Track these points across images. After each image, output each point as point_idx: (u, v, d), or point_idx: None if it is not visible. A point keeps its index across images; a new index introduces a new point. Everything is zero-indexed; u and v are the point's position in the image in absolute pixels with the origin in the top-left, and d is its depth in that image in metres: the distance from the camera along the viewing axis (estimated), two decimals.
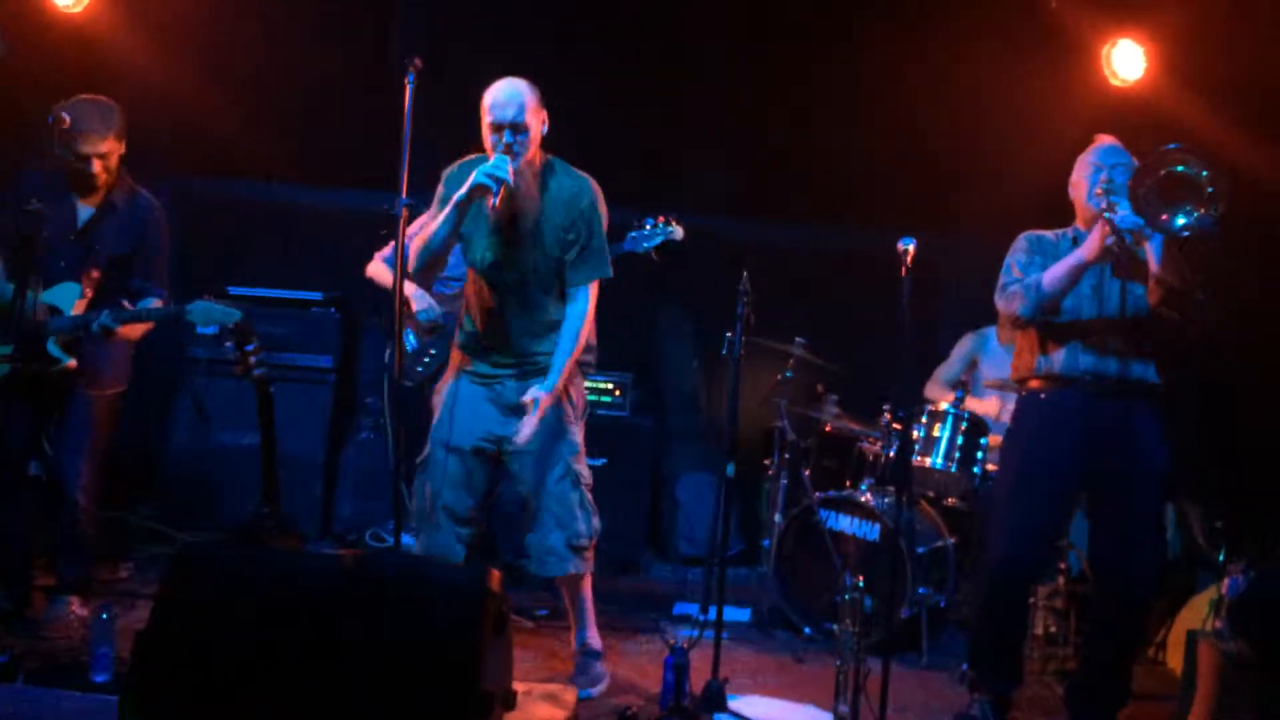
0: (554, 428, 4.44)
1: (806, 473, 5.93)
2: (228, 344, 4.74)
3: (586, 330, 4.47)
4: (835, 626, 4.59)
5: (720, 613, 4.63)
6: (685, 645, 4.42)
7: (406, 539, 4.47)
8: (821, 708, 4.55)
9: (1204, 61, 6.27)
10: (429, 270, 4.48)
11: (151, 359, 5.52)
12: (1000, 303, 4.49)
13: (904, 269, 4.26)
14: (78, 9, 6.45)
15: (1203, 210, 3.99)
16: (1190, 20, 6.24)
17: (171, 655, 3.05)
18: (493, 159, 4.22)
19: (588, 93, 7.04)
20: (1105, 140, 4.51)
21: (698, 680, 4.43)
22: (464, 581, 3.18)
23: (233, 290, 6.67)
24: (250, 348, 4.66)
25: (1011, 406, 4.79)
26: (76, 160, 4.80)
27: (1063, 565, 5.51)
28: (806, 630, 5.65)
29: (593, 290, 4.48)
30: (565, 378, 4.41)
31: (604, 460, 6.64)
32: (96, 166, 4.84)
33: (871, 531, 5.62)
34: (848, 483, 6.15)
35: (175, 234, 5.25)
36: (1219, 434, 6.27)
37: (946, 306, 7.47)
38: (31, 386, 4.75)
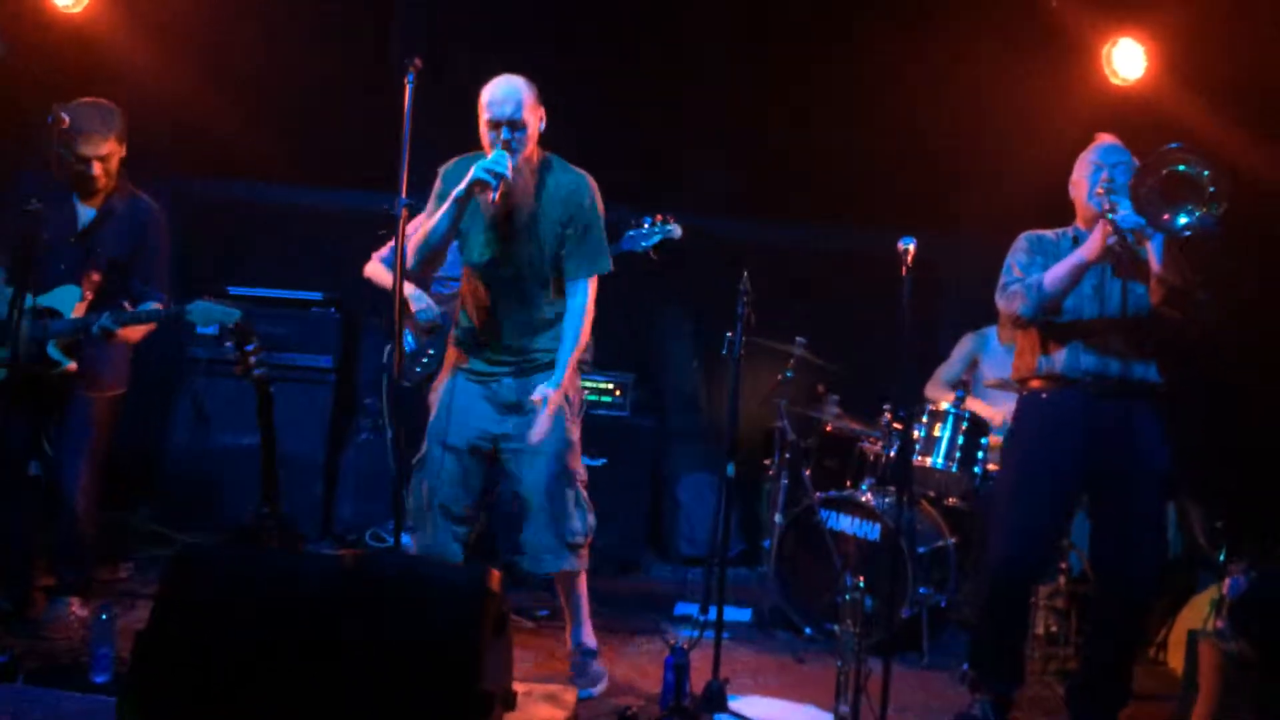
0: (552, 425, 4.45)
1: (807, 473, 5.92)
2: (227, 344, 4.74)
3: (588, 325, 4.47)
4: (836, 627, 4.59)
5: (721, 613, 4.63)
6: (686, 645, 4.41)
7: (406, 539, 4.46)
8: (822, 708, 4.55)
9: (1204, 61, 6.27)
10: (428, 266, 4.49)
11: (151, 359, 5.52)
12: (1001, 303, 4.48)
13: (904, 269, 4.26)
14: (77, 9, 6.45)
15: (1204, 210, 3.99)
16: (1190, 20, 6.24)
17: (170, 656, 3.05)
18: (491, 155, 4.24)
19: (588, 93, 7.04)
20: (1106, 139, 4.51)
21: (698, 680, 4.43)
22: (464, 582, 3.18)
23: (233, 290, 6.67)
24: (250, 348, 4.65)
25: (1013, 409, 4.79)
26: (77, 162, 4.80)
27: (1064, 565, 5.50)
28: (807, 630, 5.64)
29: (592, 285, 4.48)
30: (571, 373, 4.42)
31: (604, 460, 6.64)
32: (97, 169, 4.84)
33: (872, 531, 5.62)
34: (848, 483, 6.14)
35: (175, 234, 5.26)
36: (1220, 434, 6.27)
37: (946, 306, 7.47)
38: (31, 388, 4.75)
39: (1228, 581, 4.82)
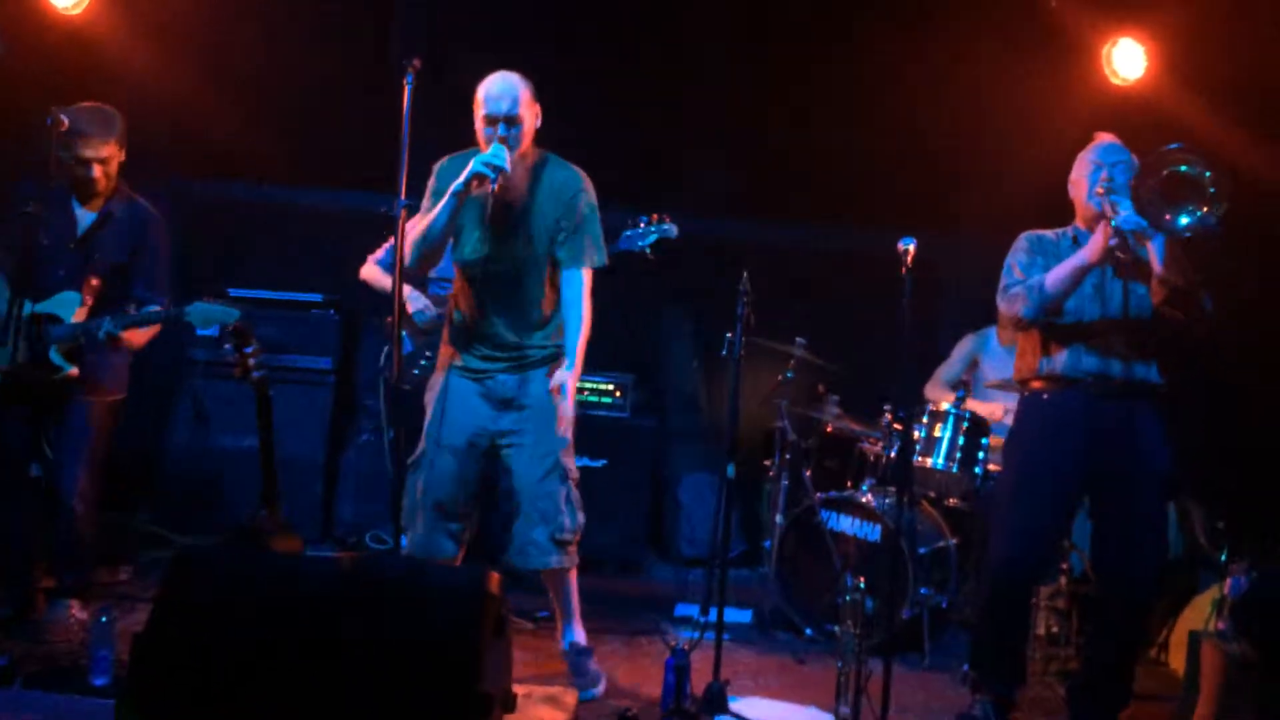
0: (547, 421, 4.46)
1: (807, 473, 5.92)
2: (227, 346, 4.73)
3: (589, 313, 4.47)
4: (837, 627, 4.58)
5: (721, 614, 4.63)
6: (686, 647, 4.41)
7: (406, 541, 4.47)
8: (823, 709, 4.54)
9: (1204, 61, 6.26)
10: (426, 263, 4.50)
11: (151, 362, 5.51)
12: (1002, 304, 4.48)
13: (904, 269, 4.26)
14: (77, 11, 6.44)
15: (1205, 210, 3.98)
16: (1190, 20, 6.23)
17: (169, 658, 3.04)
18: (488, 151, 4.24)
19: (588, 93, 7.04)
20: (1105, 138, 4.50)
21: (699, 682, 4.42)
22: (463, 583, 3.17)
23: (233, 292, 6.65)
24: (249, 350, 4.66)
25: (1013, 408, 4.78)
26: (77, 164, 4.80)
27: (1065, 566, 5.49)
28: (808, 631, 5.64)
29: (587, 276, 4.49)
30: (582, 359, 4.42)
31: (605, 461, 6.64)
32: (97, 171, 4.84)
33: (873, 532, 5.61)
34: (849, 483, 6.14)
35: (175, 236, 5.26)
36: (1220, 434, 6.26)
37: (946, 306, 7.46)
38: (31, 393, 4.75)
39: (1229, 582, 4.81)
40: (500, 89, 4.33)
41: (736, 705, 4.45)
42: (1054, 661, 5.37)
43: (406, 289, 5.39)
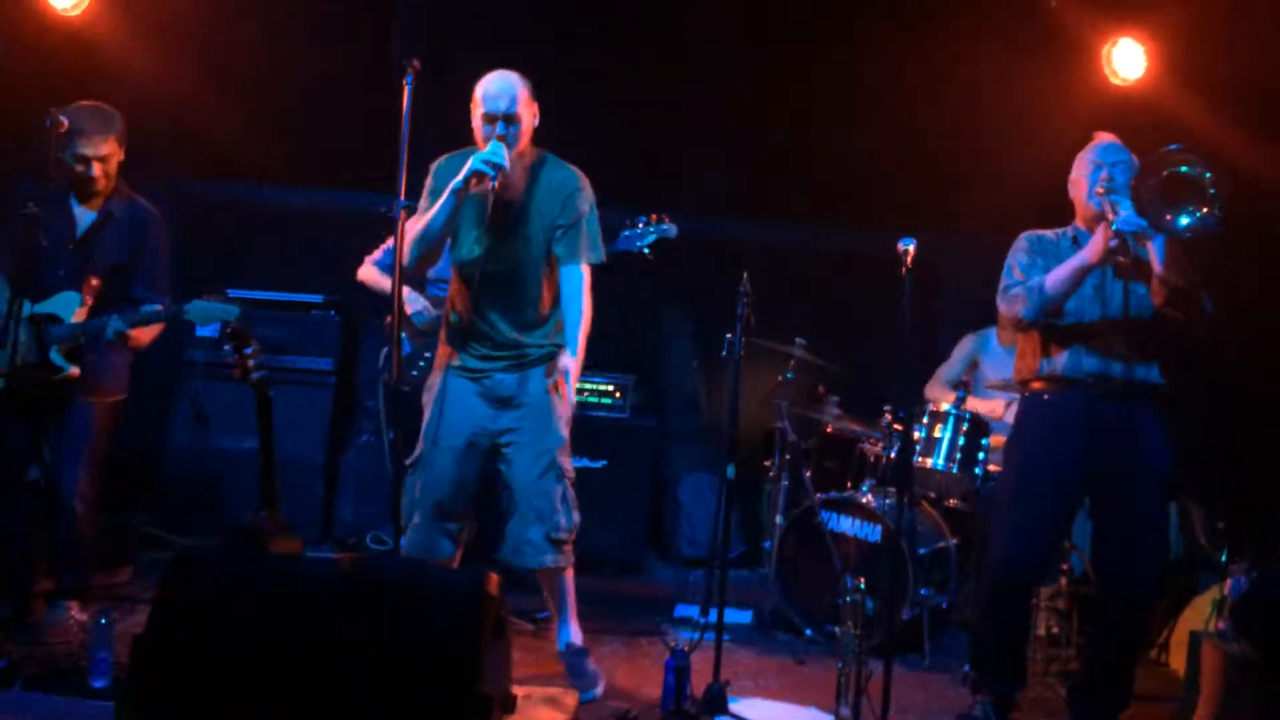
0: (545, 420, 4.46)
1: (807, 474, 5.91)
2: (226, 347, 4.72)
3: (589, 307, 4.48)
4: (837, 628, 4.58)
5: (721, 615, 4.62)
6: (686, 647, 4.41)
7: (404, 541, 4.47)
8: (823, 710, 4.53)
9: (1204, 61, 6.26)
10: (425, 262, 4.50)
11: (150, 363, 5.51)
12: (1002, 305, 4.48)
13: (904, 269, 4.26)
14: (76, 11, 6.44)
15: (1205, 210, 3.98)
16: (1190, 20, 6.23)
17: (168, 660, 3.04)
18: (486, 149, 4.25)
19: (588, 93, 7.04)
20: (1105, 138, 4.50)
21: (699, 683, 4.41)
22: (463, 585, 3.17)
23: (232, 293, 6.54)
24: (248, 350, 4.66)
25: (1014, 404, 4.78)
26: (77, 163, 4.80)
27: (1065, 566, 5.49)
28: (808, 632, 5.63)
29: (586, 271, 4.50)
30: (584, 348, 4.42)
31: (605, 462, 6.64)
32: (96, 170, 4.84)
33: (873, 533, 5.61)
34: (849, 484, 6.13)
35: (174, 237, 5.25)
36: (1220, 434, 6.26)
37: (946, 306, 7.46)
38: (31, 393, 4.75)
39: (1229, 582, 4.81)
40: (499, 87, 4.34)
41: (736, 706, 4.45)
42: (1054, 662, 5.37)
43: (405, 290, 5.39)
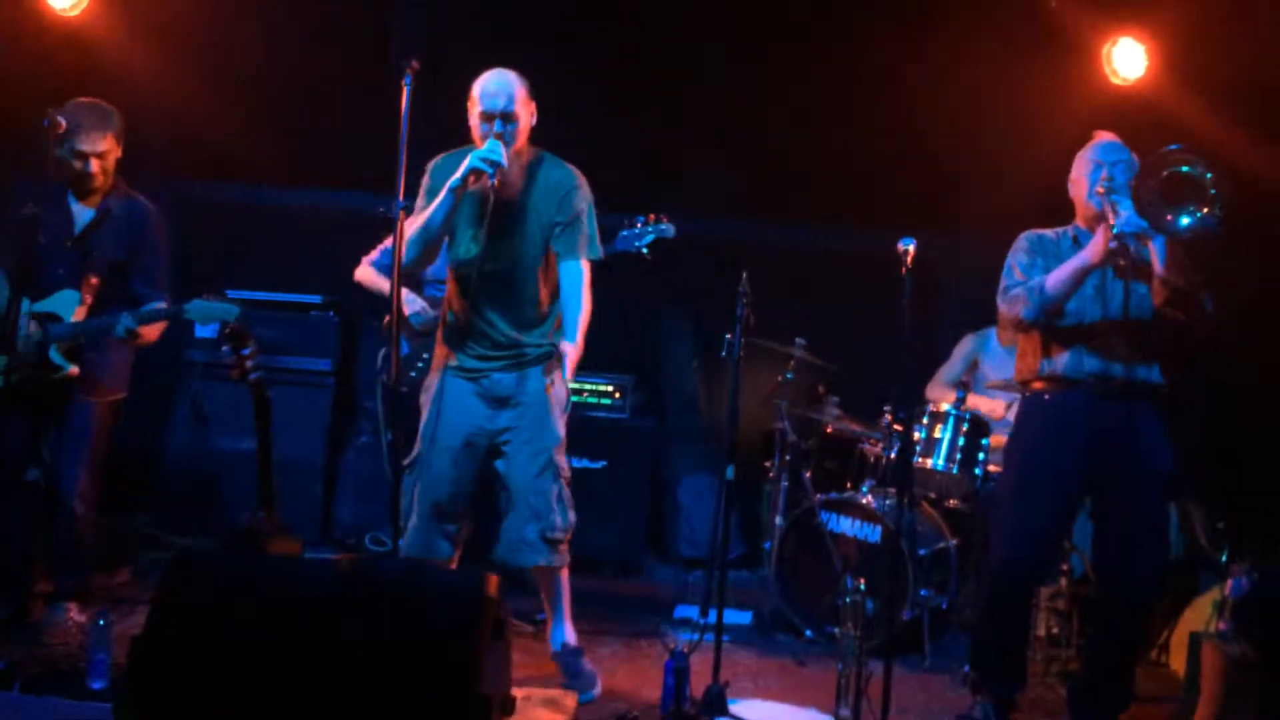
0: (542, 418, 4.47)
1: (807, 474, 5.90)
2: (224, 348, 4.72)
3: (588, 300, 4.48)
4: (837, 629, 4.57)
5: (721, 616, 4.61)
6: (686, 649, 4.40)
7: (403, 542, 4.46)
8: (823, 711, 4.53)
9: (1204, 61, 6.25)
10: (423, 260, 4.50)
11: (150, 364, 5.51)
12: (1003, 306, 4.47)
13: (904, 269, 4.25)
14: (74, 12, 6.44)
15: (1206, 210, 3.98)
16: (1190, 19, 6.22)
17: (166, 660, 3.03)
18: (484, 147, 4.25)
19: (588, 93, 7.04)
20: (1104, 137, 4.49)
21: (698, 684, 4.41)
22: (462, 586, 3.17)
23: (231, 293, 6.52)
24: (246, 351, 4.66)
25: (1015, 404, 4.77)
26: (75, 159, 4.80)
27: (1065, 567, 5.48)
28: (808, 633, 5.63)
29: (585, 267, 4.51)
30: (583, 338, 4.43)
31: (604, 463, 6.63)
32: (95, 166, 4.83)
33: (873, 533, 5.60)
34: (849, 484, 6.12)
35: (173, 237, 5.25)
36: (1220, 434, 6.25)
37: (946, 306, 7.45)
38: (30, 393, 4.74)
39: (1229, 583, 4.80)
40: (496, 85, 4.35)
41: (736, 708, 4.44)
42: (1055, 663, 5.36)
43: (403, 291, 5.38)
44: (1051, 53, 6.58)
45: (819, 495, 5.78)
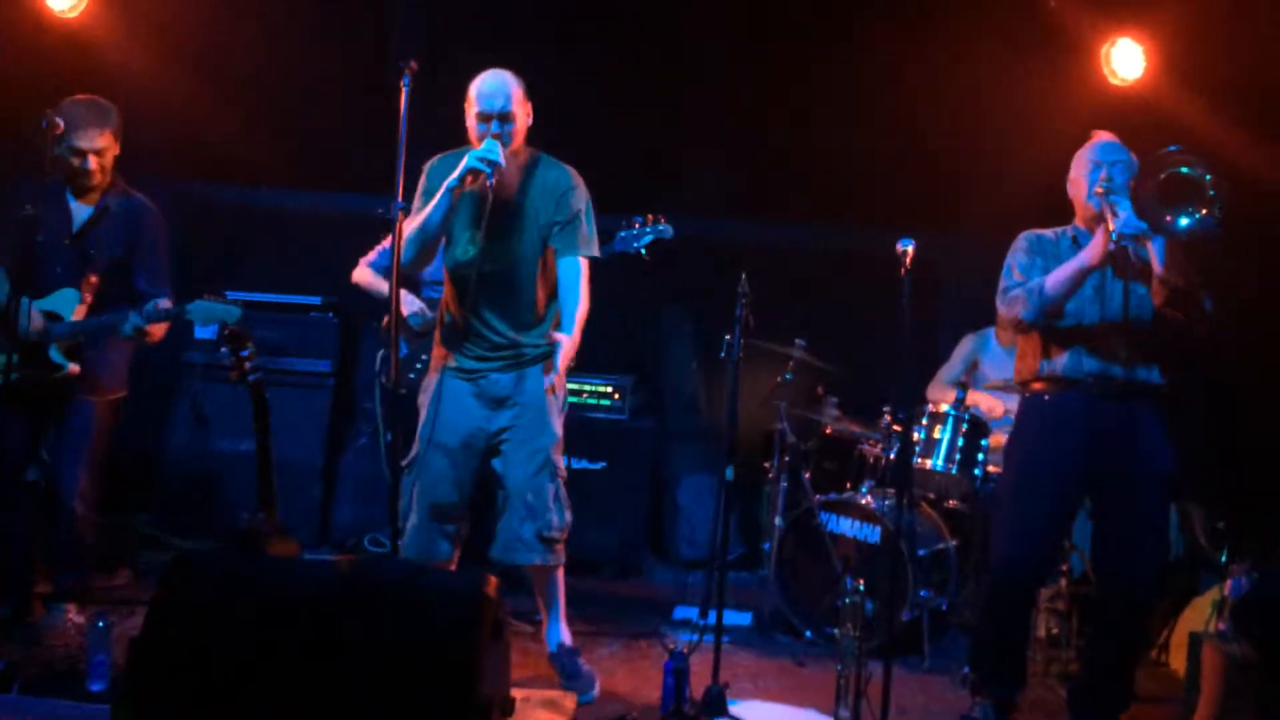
0: (540, 418, 4.48)
1: (807, 475, 5.90)
2: (223, 349, 4.73)
3: (587, 295, 4.48)
4: (836, 630, 4.57)
5: (720, 617, 4.61)
6: (685, 650, 4.40)
7: (402, 543, 4.46)
8: (823, 712, 4.53)
9: (1204, 61, 6.25)
10: (420, 261, 4.50)
11: (149, 365, 5.51)
12: (1002, 307, 4.47)
13: (903, 269, 4.25)
14: (73, 14, 6.44)
15: (1205, 211, 3.97)
16: (1190, 19, 6.21)
17: (165, 662, 3.03)
18: (481, 146, 4.26)
19: (588, 93, 7.04)
20: (1103, 136, 4.49)
21: (698, 685, 4.41)
22: (461, 587, 3.17)
23: (231, 295, 6.54)
24: (245, 353, 4.66)
25: (1013, 406, 4.77)
26: (73, 155, 4.80)
27: (1064, 567, 5.48)
28: (807, 634, 5.62)
29: (583, 264, 4.51)
30: (580, 329, 4.42)
31: (604, 463, 6.63)
32: (93, 163, 4.83)
33: (872, 534, 5.60)
34: (848, 485, 6.11)
35: (173, 238, 5.24)
36: (1220, 434, 6.24)
37: (946, 307, 7.44)
38: (30, 393, 4.74)
39: (1229, 583, 4.80)
40: (493, 86, 4.37)
41: (736, 708, 4.44)
42: (1055, 663, 5.36)
43: (401, 292, 5.37)
44: (1051, 53, 6.58)
45: (818, 496, 5.78)
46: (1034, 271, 4.41)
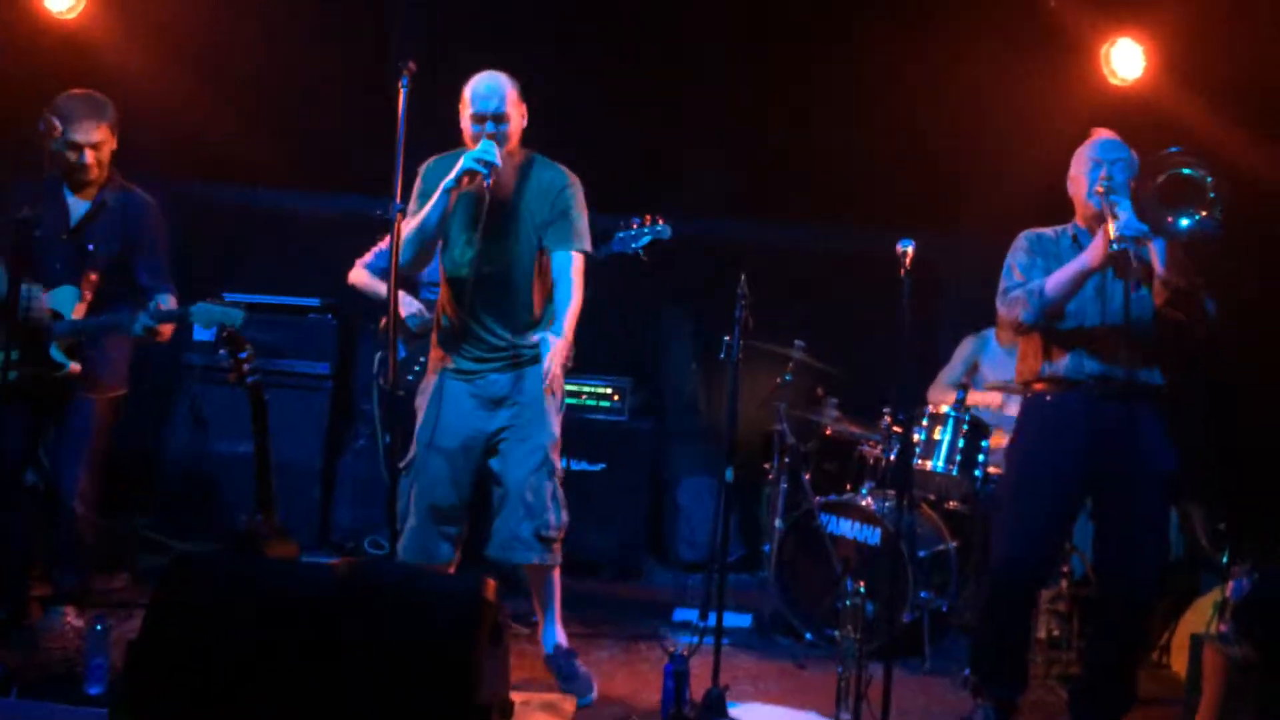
0: (538, 417, 4.47)
1: (807, 476, 5.90)
2: (221, 351, 4.72)
3: (580, 291, 4.47)
4: (837, 632, 4.56)
5: (720, 618, 4.59)
6: (685, 652, 4.39)
7: (401, 545, 4.45)
8: (823, 714, 4.52)
9: (1204, 61, 6.24)
10: (418, 262, 4.49)
11: (149, 366, 5.50)
12: (1002, 308, 4.46)
13: (903, 270, 4.24)
14: (71, 15, 6.43)
15: (1205, 213, 3.96)
16: (1190, 19, 6.21)
17: (163, 664, 3.02)
18: (477, 147, 4.26)
19: (588, 93, 7.04)
20: (1103, 134, 4.48)
21: (698, 687, 4.40)
22: (460, 590, 3.16)
23: (230, 296, 6.58)
24: (243, 355, 4.66)
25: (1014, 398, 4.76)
26: (69, 150, 4.79)
27: (1065, 568, 5.47)
28: (808, 636, 5.61)
29: (577, 259, 4.49)
30: (572, 328, 4.41)
31: (603, 465, 6.62)
32: (90, 157, 4.82)
33: (872, 535, 5.59)
34: (848, 486, 6.11)
35: (172, 238, 5.22)
36: (1220, 434, 6.24)
37: (946, 307, 7.43)
38: (30, 392, 4.73)
39: (1231, 584, 4.78)
40: (488, 87, 4.37)
41: (736, 711, 4.44)
42: (1055, 665, 5.35)
43: (399, 293, 5.37)
44: (1051, 53, 6.57)
45: (818, 497, 5.77)
46: (1034, 271, 4.40)
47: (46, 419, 4.91)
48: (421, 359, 5.42)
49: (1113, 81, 6.52)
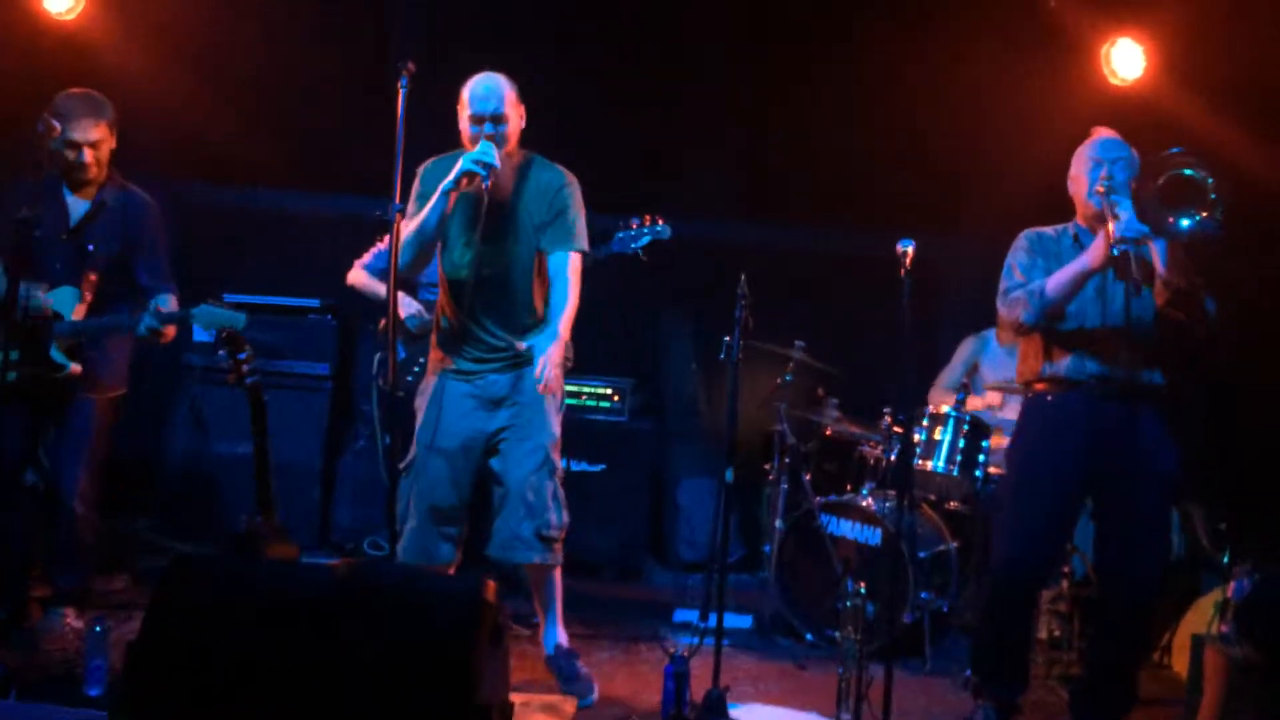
0: (538, 416, 4.47)
1: (807, 477, 5.89)
2: (220, 352, 4.72)
3: (576, 291, 4.46)
4: (837, 633, 4.56)
5: (721, 619, 4.58)
6: (686, 653, 4.39)
7: (401, 546, 4.45)
8: (824, 715, 4.52)
9: (1204, 61, 6.24)
10: (417, 264, 4.49)
11: (149, 366, 5.49)
12: (1003, 309, 4.45)
13: (903, 270, 4.24)
14: (71, 15, 6.43)
15: (1206, 214, 3.96)
16: (1190, 19, 6.21)
17: (162, 666, 3.02)
18: (476, 149, 4.26)
19: (588, 93, 7.04)
20: (1104, 133, 4.47)
21: (698, 688, 4.39)
22: (460, 591, 3.15)
23: (229, 297, 6.55)
24: (242, 356, 4.65)
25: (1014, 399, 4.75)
26: (68, 149, 4.78)
27: (1066, 569, 5.47)
28: (809, 637, 5.61)
29: (573, 259, 4.49)
30: (566, 330, 4.41)
31: (603, 465, 6.61)
32: (88, 156, 4.82)
33: (873, 536, 5.58)
34: (849, 487, 6.10)
35: (172, 239, 5.22)
36: (1221, 434, 6.24)
37: (946, 307, 7.42)
38: (30, 393, 4.73)
39: (1232, 584, 4.78)
40: (486, 88, 4.37)
41: (737, 712, 4.43)
42: (1056, 665, 5.35)
43: (398, 294, 5.37)
44: (1051, 53, 6.57)
45: (819, 498, 5.77)
46: (1035, 271, 4.39)
47: (46, 419, 4.91)
48: (421, 360, 5.42)
49: (1113, 81, 6.51)
